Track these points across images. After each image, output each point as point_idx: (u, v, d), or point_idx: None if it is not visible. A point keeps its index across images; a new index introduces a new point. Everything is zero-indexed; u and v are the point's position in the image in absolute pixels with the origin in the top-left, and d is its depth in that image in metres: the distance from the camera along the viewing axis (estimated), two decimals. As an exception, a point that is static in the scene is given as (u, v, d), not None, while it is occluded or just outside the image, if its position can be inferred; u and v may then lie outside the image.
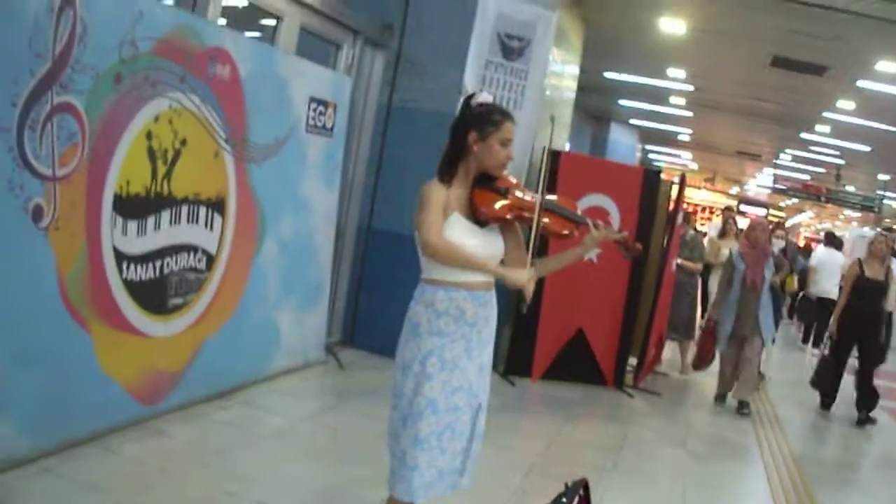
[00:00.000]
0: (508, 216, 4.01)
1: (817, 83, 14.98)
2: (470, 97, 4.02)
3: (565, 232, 4.15)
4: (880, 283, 9.94)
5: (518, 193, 4.03)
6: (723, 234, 13.19)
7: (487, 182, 3.98)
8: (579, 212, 4.22)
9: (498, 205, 3.96)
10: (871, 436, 9.48)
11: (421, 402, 3.91)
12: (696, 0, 11.52)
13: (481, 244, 3.95)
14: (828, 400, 10.22)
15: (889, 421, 10.26)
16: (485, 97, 4.00)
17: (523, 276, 3.90)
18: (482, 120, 3.92)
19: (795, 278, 15.07)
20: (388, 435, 4.07)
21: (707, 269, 13.09)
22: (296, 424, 6.50)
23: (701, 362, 9.98)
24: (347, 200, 9.02)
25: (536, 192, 4.09)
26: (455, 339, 3.94)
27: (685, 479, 6.63)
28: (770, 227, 12.43)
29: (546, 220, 4.07)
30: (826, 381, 10.18)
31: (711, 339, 9.73)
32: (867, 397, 9.86)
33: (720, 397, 9.75)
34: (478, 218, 3.96)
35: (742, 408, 9.27)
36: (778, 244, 10.56)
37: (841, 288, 11.63)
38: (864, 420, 9.76)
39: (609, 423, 8.17)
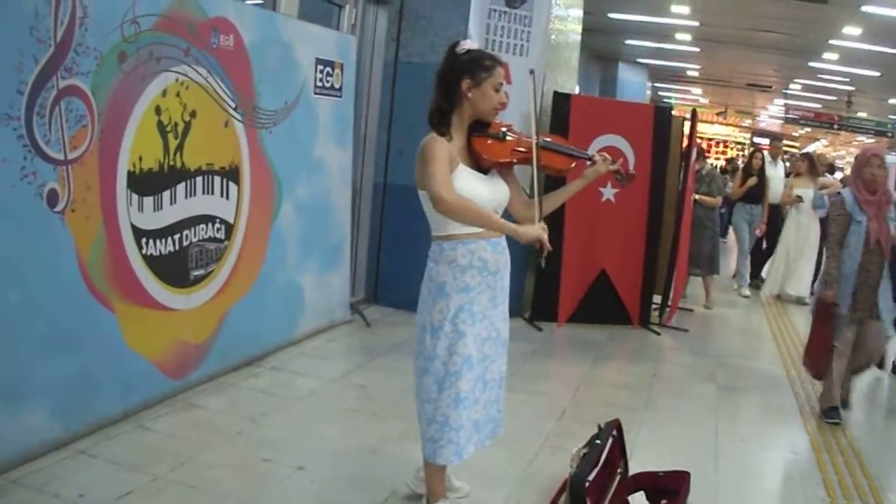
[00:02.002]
0: (512, 160, 4.04)
1: (822, 10, 14.86)
2: (454, 46, 4.00)
3: (572, 166, 4.25)
4: None
5: (515, 136, 4.08)
6: (796, 173, 12.67)
7: (482, 129, 4.01)
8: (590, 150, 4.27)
9: (500, 150, 3.99)
10: None
11: (458, 361, 3.94)
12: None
13: (491, 192, 3.98)
14: None
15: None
16: (470, 44, 3.99)
17: (536, 231, 3.91)
18: (474, 66, 3.92)
19: None
20: (420, 402, 4.08)
21: (778, 215, 12.67)
22: (326, 385, 6.54)
23: (818, 363, 6.75)
24: (361, 159, 9.03)
25: (531, 133, 4.10)
26: (481, 291, 3.99)
27: (717, 413, 6.66)
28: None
29: (545, 159, 4.11)
30: None
31: (829, 328, 6.61)
32: None
33: (832, 412, 6.65)
34: (480, 165, 3.98)
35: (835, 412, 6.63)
36: None
37: None
38: None
39: (638, 362, 8.19)
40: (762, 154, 13.03)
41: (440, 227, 3.95)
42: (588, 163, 4.26)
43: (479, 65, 3.92)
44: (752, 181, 12.29)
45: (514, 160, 4.05)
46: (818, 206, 11.80)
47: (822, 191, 11.89)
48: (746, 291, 12.72)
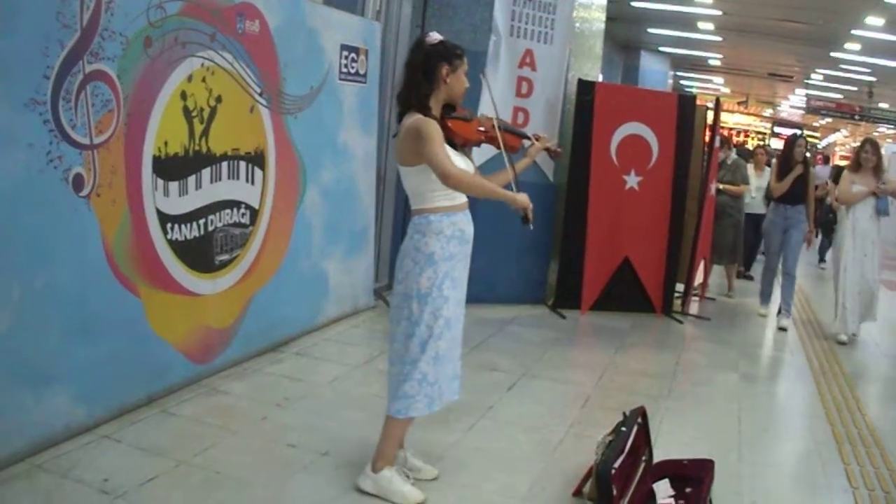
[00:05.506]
0: (480, 138, 4.50)
1: (845, 0, 14.77)
2: (423, 38, 4.35)
3: (521, 144, 4.84)
4: None
5: (478, 118, 4.58)
6: (856, 167, 9.11)
7: (451, 112, 4.39)
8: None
9: (471, 130, 4.45)
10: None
11: (440, 324, 4.24)
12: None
13: (465, 165, 4.30)
14: None
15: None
16: (438, 36, 4.30)
17: (526, 198, 4.25)
18: (450, 54, 4.25)
19: None
20: (402, 363, 4.31)
21: (830, 215, 11.08)
22: (350, 371, 6.53)
23: None
24: (385, 144, 9.01)
25: (488, 116, 4.63)
26: (460, 259, 4.32)
27: (740, 401, 6.64)
28: None
29: (505, 138, 4.56)
30: None
31: None
32: None
33: None
34: (455, 142, 4.33)
35: None
36: None
37: None
38: None
39: (660, 350, 8.18)
40: (806, 142, 10.14)
41: (427, 201, 4.26)
42: (529, 141, 4.88)
43: (453, 53, 4.27)
44: (798, 170, 9.41)
45: (482, 138, 4.52)
46: (882, 210, 8.99)
47: (882, 187, 8.90)
48: (774, 315, 9.89)
